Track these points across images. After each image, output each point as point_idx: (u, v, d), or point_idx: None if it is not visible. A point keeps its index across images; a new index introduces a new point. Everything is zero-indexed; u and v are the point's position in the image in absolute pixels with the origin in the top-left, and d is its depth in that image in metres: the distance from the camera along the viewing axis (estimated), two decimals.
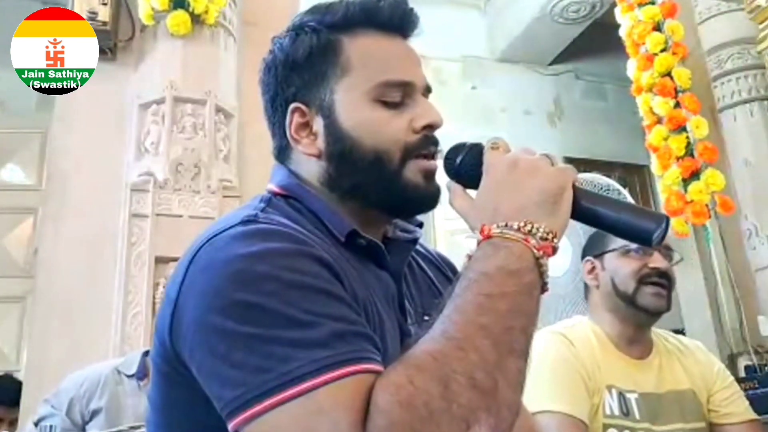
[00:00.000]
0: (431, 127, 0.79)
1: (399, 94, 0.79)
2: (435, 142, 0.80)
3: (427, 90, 0.83)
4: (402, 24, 0.82)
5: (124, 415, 1.87)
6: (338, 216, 0.78)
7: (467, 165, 0.76)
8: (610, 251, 1.58)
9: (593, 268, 1.61)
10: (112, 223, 2.80)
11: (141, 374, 1.97)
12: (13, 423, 2.74)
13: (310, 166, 0.81)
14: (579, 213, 0.72)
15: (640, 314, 1.53)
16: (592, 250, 1.63)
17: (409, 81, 0.79)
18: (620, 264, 1.55)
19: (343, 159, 0.78)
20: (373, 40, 0.81)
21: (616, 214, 0.72)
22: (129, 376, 1.97)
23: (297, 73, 0.81)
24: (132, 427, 1.84)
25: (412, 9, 0.83)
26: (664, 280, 1.52)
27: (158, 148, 2.90)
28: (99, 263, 2.77)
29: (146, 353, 1.98)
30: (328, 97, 0.79)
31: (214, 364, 0.62)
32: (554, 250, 0.68)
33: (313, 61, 0.80)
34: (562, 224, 0.70)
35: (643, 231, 0.71)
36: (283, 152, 0.84)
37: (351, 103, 0.78)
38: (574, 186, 0.72)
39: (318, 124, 0.80)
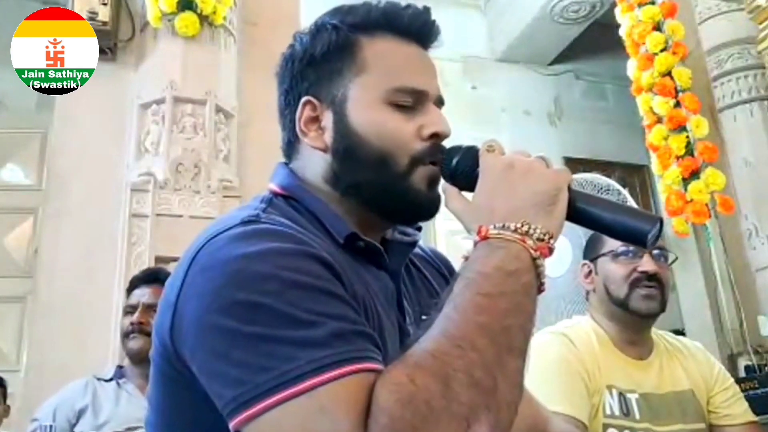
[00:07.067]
0: (438, 136, 0.79)
1: (411, 99, 0.79)
2: (442, 151, 0.80)
3: (440, 101, 0.83)
4: (421, 33, 0.83)
5: (105, 414, 1.92)
6: (338, 218, 0.79)
7: (463, 167, 0.77)
8: (602, 255, 1.58)
9: (589, 271, 1.61)
10: (113, 223, 2.80)
11: (118, 376, 2.04)
12: None
13: (315, 160, 0.81)
14: (574, 214, 0.73)
15: (633, 317, 1.53)
16: (589, 253, 1.63)
17: (422, 90, 0.80)
18: (611, 268, 1.55)
19: (348, 156, 0.79)
20: (392, 44, 0.81)
21: (611, 216, 0.73)
22: (107, 381, 2.03)
23: (313, 68, 0.81)
24: (129, 429, 1.85)
25: (434, 21, 0.84)
26: (654, 282, 1.51)
27: (158, 148, 2.90)
28: (99, 263, 2.76)
29: (119, 366, 2.11)
30: (341, 93, 0.80)
31: (216, 363, 0.62)
32: (550, 251, 0.68)
33: (330, 57, 0.81)
34: (558, 225, 0.70)
35: (637, 232, 0.71)
36: (290, 146, 0.85)
37: (363, 102, 0.79)
38: (569, 188, 0.73)
39: (327, 119, 0.80)
